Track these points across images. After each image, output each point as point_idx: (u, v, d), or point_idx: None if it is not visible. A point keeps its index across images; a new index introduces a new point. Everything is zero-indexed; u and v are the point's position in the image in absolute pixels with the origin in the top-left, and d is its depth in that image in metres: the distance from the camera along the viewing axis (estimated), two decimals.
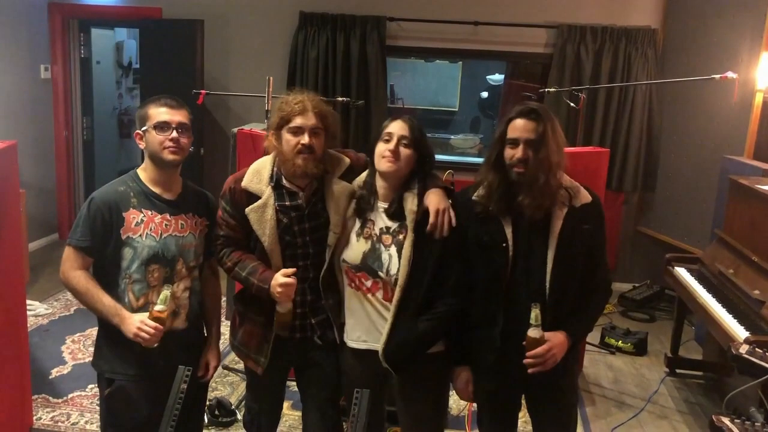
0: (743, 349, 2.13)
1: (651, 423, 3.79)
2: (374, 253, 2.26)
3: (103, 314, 2.22)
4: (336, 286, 2.39)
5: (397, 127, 2.21)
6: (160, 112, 2.26)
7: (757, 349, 2.12)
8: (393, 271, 2.22)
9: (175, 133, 2.25)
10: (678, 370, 4.39)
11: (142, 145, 2.31)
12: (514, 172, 2.16)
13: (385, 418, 2.60)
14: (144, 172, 2.32)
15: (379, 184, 2.29)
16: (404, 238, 2.22)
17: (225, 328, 2.63)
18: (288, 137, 2.25)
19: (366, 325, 2.31)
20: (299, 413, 3.45)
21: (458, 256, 2.23)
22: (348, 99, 4.46)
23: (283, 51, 5.96)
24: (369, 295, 2.29)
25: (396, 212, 2.25)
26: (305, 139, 2.23)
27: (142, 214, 2.26)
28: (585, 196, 2.25)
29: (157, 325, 2.15)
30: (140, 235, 2.24)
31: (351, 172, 2.38)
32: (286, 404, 3.50)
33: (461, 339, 2.33)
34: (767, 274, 3.27)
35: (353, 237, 2.31)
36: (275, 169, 2.34)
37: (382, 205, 2.29)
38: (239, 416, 3.50)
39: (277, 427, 2.67)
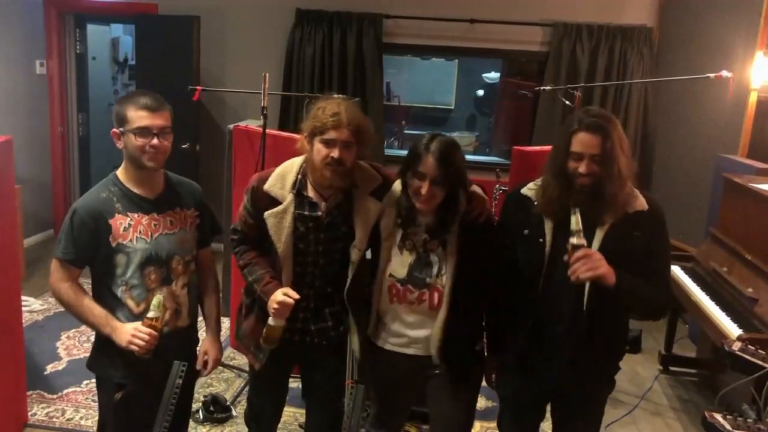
0: (736, 346, 2.15)
1: (645, 420, 3.81)
2: (420, 262, 2.25)
3: (94, 326, 2.18)
4: (364, 302, 2.35)
5: (430, 167, 2.12)
6: (140, 116, 2.14)
7: (749, 346, 2.14)
8: (444, 269, 2.22)
9: (155, 140, 2.15)
10: (672, 368, 4.42)
11: (120, 145, 2.21)
12: (577, 183, 2.11)
13: (408, 415, 2.63)
14: (124, 173, 2.24)
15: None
16: (448, 237, 2.22)
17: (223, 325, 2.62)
18: (319, 147, 2.19)
19: (410, 336, 2.31)
20: (293, 410, 3.47)
21: (498, 256, 2.28)
22: (344, 95, 4.46)
23: (279, 47, 5.96)
24: (414, 307, 2.28)
25: (436, 227, 2.23)
26: (336, 152, 2.16)
27: (129, 218, 2.19)
28: (641, 204, 2.19)
29: (151, 332, 2.09)
30: (131, 240, 2.18)
31: (382, 189, 2.34)
32: None
33: (497, 328, 2.37)
34: (761, 272, 3.29)
35: (395, 250, 2.28)
36: (300, 176, 2.31)
37: (423, 220, 2.25)
38: (234, 412, 3.50)
39: (278, 422, 2.65)
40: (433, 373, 2.31)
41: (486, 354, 2.43)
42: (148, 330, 2.09)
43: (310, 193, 2.30)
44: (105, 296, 2.22)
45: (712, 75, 3.81)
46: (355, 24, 5.76)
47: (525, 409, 2.43)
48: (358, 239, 2.28)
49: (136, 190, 2.23)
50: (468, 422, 2.43)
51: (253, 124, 4.18)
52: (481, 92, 8.48)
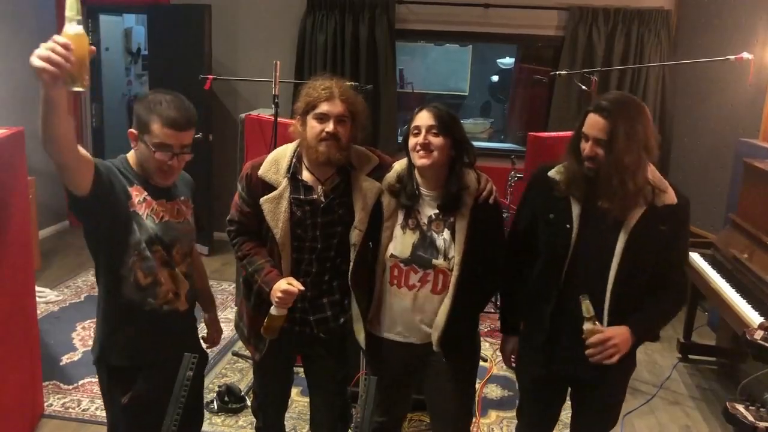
0: (758, 334, 2.09)
1: (663, 409, 3.77)
2: (425, 242, 2.22)
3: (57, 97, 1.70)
4: (366, 288, 2.33)
5: (423, 119, 2.16)
6: (165, 134, 2.03)
7: None
8: (451, 254, 2.19)
9: (174, 161, 2.08)
10: (691, 356, 4.36)
11: (134, 146, 2.12)
12: (585, 166, 2.09)
13: (411, 404, 2.62)
14: (135, 162, 2.16)
15: (419, 176, 2.24)
16: (455, 220, 2.19)
17: (231, 312, 2.62)
18: (313, 123, 2.19)
19: (407, 322, 2.29)
20: (308, 399, 3.46)
21: (503, 240, 2.29)
22: (357, 83, 4.42)
23: (291, 35, 5.92)
24: (414, 291, 2.24)
25: (447, 203, 2.20)
26: (330, 126, 2.16)
27: (144, 194, 2.14)
28: (670, 197, 2.12)
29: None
30: (143, 215, 2.14)
31: (378, 171, 2.32)
32: (295, 390, 3.52)
33: (516, 311, 2.37)
34: None
35: (398, 230, 2.25)
36: (294, 160, 2.29)
37: (428, 194, 2.23)
38: (248, 402, 3.50)
39: (284, 412, 2.66)
40: (431, 361, 2.29)
41: (503, 335, 2.44)
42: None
43: (305, 176, 2.28)
44: (112, 258, 2.13)
45: (732, 57, 3.72)
46: (367, 10, 5.71)
47: (546, 398, 2.40)
48: (359, 220, 2.25)
49: (146, 176, 2.18)
50: (467, 413, 2.43)
51: (265, 113, 4.16)
52: (495, 78, 8.38)
